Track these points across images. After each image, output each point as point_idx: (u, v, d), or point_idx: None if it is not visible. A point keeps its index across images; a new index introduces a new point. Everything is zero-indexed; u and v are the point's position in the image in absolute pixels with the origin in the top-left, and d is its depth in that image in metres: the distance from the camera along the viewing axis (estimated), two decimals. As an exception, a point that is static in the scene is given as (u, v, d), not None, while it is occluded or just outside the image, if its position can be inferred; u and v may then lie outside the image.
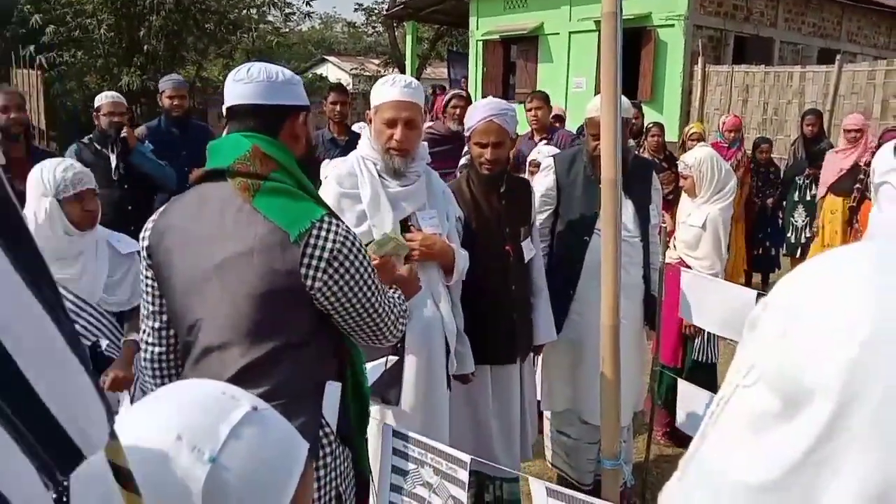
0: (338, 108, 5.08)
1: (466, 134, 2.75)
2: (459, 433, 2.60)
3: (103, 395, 0.62)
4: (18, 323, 0.55)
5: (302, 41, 36.14)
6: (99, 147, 4.00)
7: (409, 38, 18.59)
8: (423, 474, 2.03)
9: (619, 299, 2.03)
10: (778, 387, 0.54)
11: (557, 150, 3.91)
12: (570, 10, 13.67)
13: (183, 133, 4.70)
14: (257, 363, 1.55)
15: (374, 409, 2.30)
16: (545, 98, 5.10)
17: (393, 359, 2.22)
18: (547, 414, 3.36)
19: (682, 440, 3.74)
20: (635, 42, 12.35)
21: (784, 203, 6.62)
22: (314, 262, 1.53)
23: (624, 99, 2.36)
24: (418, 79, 3.61)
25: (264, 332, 1.55)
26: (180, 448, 0.73)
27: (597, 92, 2.46)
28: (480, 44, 15.76)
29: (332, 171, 2.35)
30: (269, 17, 17.80)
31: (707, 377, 3.59)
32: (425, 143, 2.49)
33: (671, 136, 7.25)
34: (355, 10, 47.54)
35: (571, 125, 6.45)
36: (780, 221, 6.66)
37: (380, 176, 2.29)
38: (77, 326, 2.42)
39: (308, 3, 22.57)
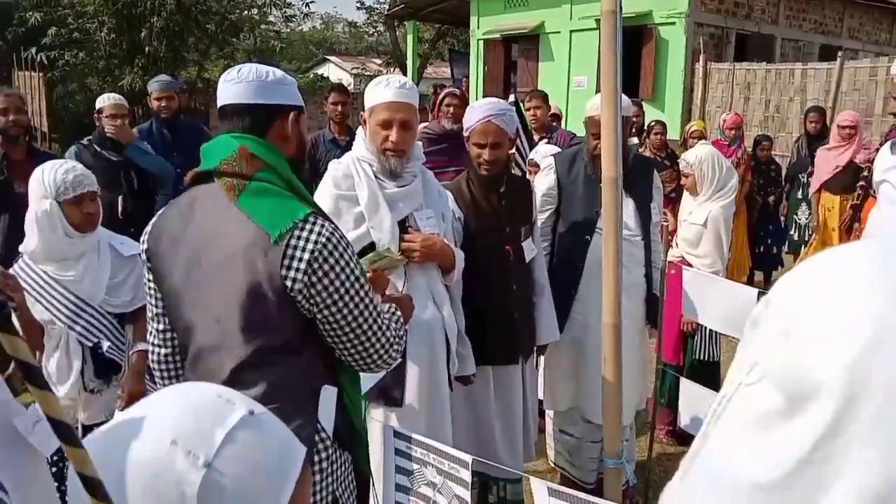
0: (339, 108, 5.08)
1: (465, 134, 2.74)
2: (462, 434, 2.60)
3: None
4: None
5: (303, 41, 36.19)
6: (99, 149, 3.99)
7: (410, 38, 18.59)
8: (427, 474, 2.03)
9: (620, 298, 2.03)
10: (781, 385, 0.54)
11: (556, 149, 3.90)
12: (570, 9, 13.67)
13: (173, 133, 4.68)
14: (249, 365, 1.53)
15: (378, 411, 2.29)
16: (544, 97, 5.08)
17: None
18: (549, 413, 3.35)
19: (684, 439, 3.73)
20: (636, 40, 12.34)
21: (786, 200, 6.60)
22: (294, 263, 1.48)
23: (624, 97, 2.35)
24: (420, 78, 3.60)
25: (254, 335, 1.53)
26: (175, 453, 0.72)
27: (598, 90, 2.46)
28: (481, 43, 15.77)
29: (327, 173, 2.34)
30: (271, 18, 17.83)
31: (709, 375, 3.59)
32: (420, 143, 2.48)
33: (673, 134, 7.23)
34: (357, 8, 47.62)
35: (573, 125, 6.43)
36: (783, 219, 6.64)
37: (376, 177, 2.28)
38: (79, 328, 2.46)
39: (307, 5, 22.64)
